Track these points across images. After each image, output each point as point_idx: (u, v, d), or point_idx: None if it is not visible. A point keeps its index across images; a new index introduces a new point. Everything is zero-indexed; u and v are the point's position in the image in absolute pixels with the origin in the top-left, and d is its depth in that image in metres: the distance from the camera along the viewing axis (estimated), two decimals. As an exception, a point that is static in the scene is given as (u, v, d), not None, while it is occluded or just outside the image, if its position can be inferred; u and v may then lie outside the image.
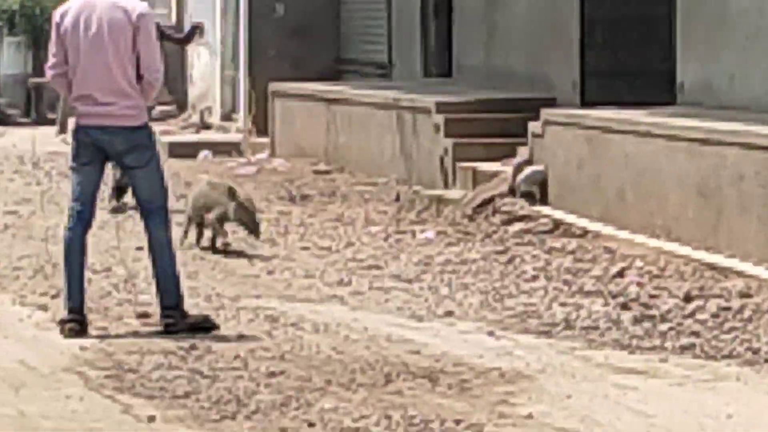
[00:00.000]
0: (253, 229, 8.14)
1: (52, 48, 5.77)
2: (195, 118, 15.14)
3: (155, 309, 6.02)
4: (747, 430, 3.98)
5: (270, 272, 7.80)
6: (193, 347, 5.46)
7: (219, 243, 8.13)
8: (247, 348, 5.46)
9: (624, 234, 7.85)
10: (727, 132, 7.27)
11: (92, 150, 5.76)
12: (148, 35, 5.58)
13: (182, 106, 16.04)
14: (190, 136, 13.53)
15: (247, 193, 8.53)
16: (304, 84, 13.22)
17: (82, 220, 5.77)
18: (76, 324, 5.72)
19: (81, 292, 5.81)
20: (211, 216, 8.03)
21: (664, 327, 5.70)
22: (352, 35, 14.84)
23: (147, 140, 5.68)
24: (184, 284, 6.19)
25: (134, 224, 8.33)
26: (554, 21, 10.72)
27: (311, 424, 4.08)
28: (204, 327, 5.73)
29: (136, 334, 5.84)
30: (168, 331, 5.70)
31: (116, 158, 5.80)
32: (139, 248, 7.32)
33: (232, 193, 8.14)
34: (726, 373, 4.96)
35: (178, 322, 5.69)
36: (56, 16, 5.68)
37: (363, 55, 14.65)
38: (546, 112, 9.22)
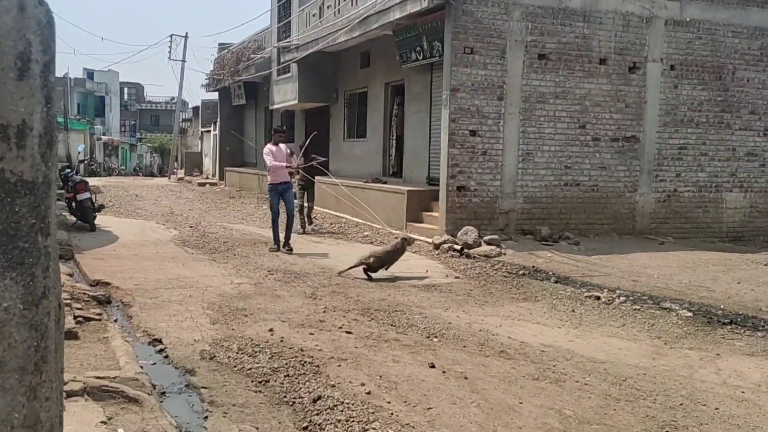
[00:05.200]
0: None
1: None
2: (204, 176, 45.07)
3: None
4: None
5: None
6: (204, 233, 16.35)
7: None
8: (225, 235, 16.40)
9: None
10: None
11: None
12: None
13: (201, 172, 47.64)
14: (202, 180, 41.01)
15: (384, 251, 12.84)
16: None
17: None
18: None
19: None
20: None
21: None
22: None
23: None
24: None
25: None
26: None
27: (235, 255, 14.26)
28: None
29: (189, 231, 16.63)
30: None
31: None
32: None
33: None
34: None
35: None
36: None
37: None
38: None
